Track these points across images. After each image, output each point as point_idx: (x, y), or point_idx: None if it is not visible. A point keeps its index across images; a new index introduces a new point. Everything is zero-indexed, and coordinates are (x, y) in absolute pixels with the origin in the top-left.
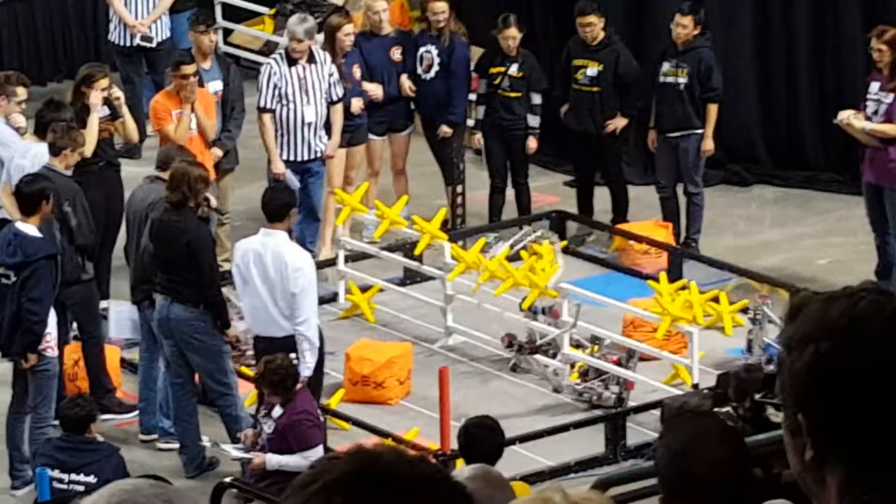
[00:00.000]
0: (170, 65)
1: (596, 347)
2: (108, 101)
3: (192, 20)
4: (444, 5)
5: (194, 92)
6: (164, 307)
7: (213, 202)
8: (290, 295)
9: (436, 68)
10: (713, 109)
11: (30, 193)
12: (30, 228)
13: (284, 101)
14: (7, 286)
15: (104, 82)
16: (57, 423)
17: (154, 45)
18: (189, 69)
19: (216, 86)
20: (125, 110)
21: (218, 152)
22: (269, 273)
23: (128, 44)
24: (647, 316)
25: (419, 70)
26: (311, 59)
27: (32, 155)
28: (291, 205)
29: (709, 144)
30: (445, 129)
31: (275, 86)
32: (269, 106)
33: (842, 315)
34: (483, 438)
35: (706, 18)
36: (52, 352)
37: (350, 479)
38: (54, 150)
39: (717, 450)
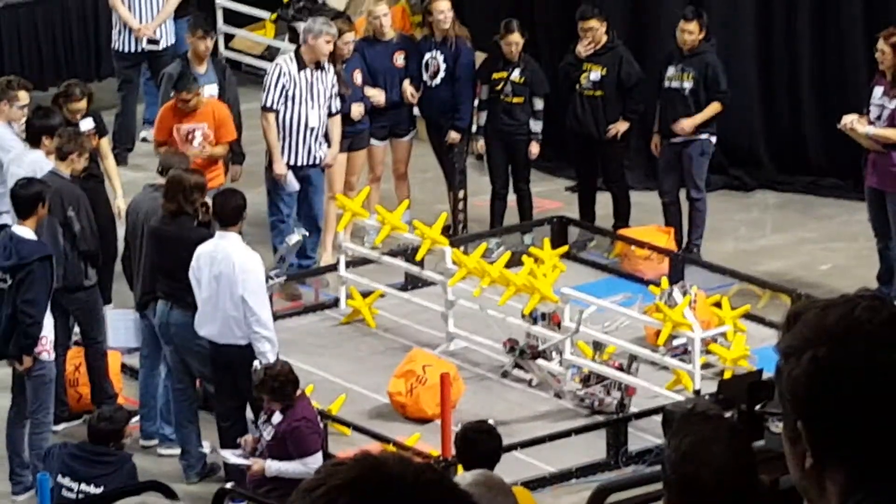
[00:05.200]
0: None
1: (606, 355)
2: (93, 114)
3: (189, 25)
4: (447, 4)
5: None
6: (164, 313)
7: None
8: (240, 298)
9: (442, 74)
10: (715, 106)
11: (25, 197)
12: (25, 231)
13: (290, 104)
14: (4, 290)
15: (82, 105)
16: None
17: (160, 47)
18: (188, 96)
19: (211, 90)
20: (115, 179)
21: (237, 168)
22: (220, 274)
23: (132, 50)
24: (648, 322)
25: (425, 76)
26: (318, 65)
27: (28, 163)
28: (243, 207)
29: (688, 128)
30: (454, 135)
31: (283, 87)
32: (274, 106)
33: (838, 321)
34: (480, 443)
35: (707, 23)
36: (48, 356)
37: (355, 485)
38: (61, 155)
39: (723, 454)
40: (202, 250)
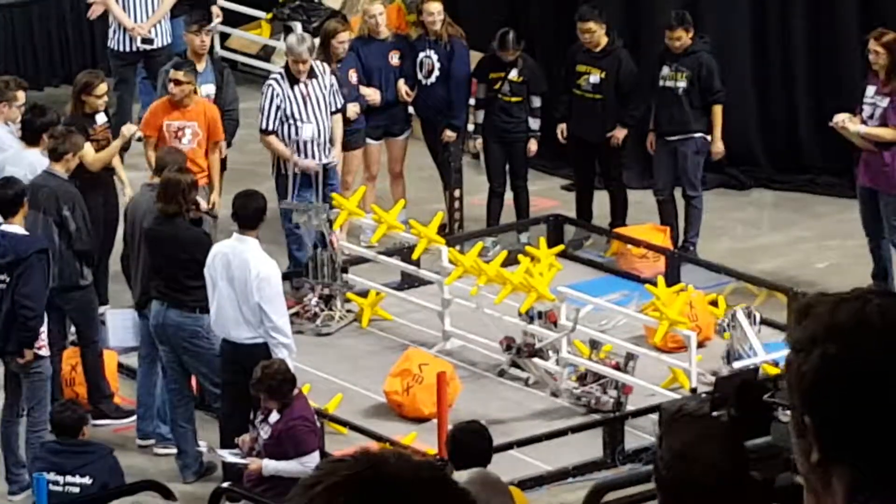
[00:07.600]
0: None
1: (603, 353)
2: (105, 109)
3: (185, 20)
4: (438, 6)
5: (188, 100)
6: (159, 312)
7: (204, 205)
8: (256, 305)
9: (436, 73)
10: (718, 111)
11: (8, 196)
12: (15, 228)
13: (290, 122)
14: (2, 290)
15: (103, 87)
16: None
17: (154, 46)
18: (179, 75)
19: (209, 89)
20: (121, 172)
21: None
22: (234, 278)
23: (127, 49)
24: (645, 320)
25: (419, 76)
26: (311, 73)
27: (27, 164)
28: (264, 210)
29: (718, 147)
30: (449, 134)
31: (278, 107)
32: (271, 128)
33: (849, 318)
34: (470, 443)
35: (702, 22)
36: (45, 352)
37: (354, 482)
38: (56, 155)
39: (717, 453)
40: (218, 250)
